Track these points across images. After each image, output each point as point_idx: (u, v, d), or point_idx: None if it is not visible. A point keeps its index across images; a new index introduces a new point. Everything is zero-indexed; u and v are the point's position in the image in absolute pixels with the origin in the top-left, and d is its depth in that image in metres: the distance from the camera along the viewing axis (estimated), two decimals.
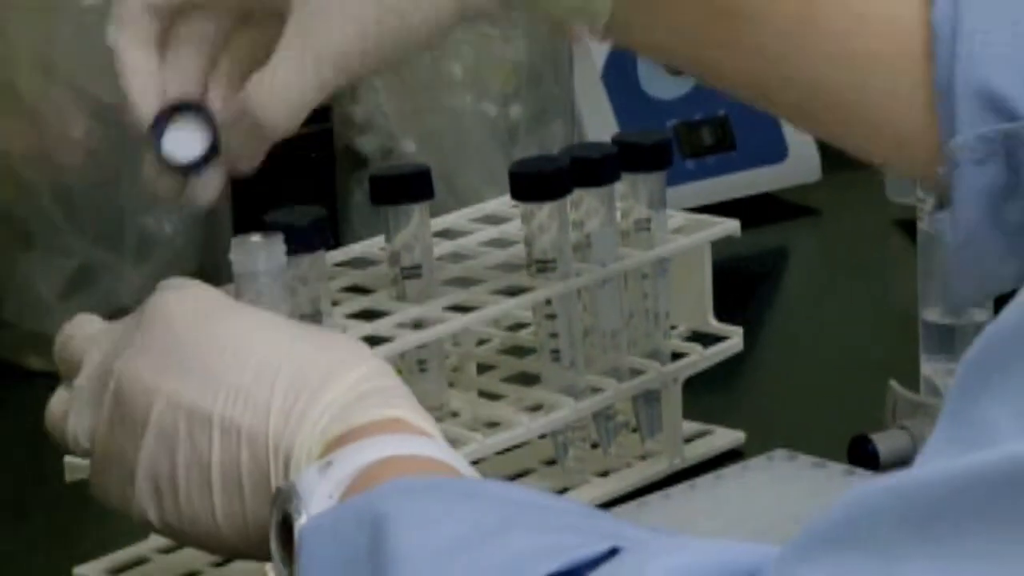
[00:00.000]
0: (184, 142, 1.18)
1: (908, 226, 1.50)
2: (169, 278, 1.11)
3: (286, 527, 0.98)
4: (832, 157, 1.61)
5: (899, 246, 1.54)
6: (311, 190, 1.55)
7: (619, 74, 1.57)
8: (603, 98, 1.56)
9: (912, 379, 1.33)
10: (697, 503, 1.22)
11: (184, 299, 1.11)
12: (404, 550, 0.90)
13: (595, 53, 1.55)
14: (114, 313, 1.35)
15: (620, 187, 1.23)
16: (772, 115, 1.34)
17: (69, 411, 1.10)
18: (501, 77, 1.51)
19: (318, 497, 0.97)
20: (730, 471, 1.26)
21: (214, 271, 1.25)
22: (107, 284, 1.41)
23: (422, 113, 1.49)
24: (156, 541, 1.20)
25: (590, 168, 1.21)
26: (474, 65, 1.50)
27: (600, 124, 1.53)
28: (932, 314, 1.31)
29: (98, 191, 1.41)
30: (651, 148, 1.24)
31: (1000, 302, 0.87)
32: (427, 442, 1.00)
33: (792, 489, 1.25)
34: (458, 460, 1.00)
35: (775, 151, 1.58)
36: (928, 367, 1.31)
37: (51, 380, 1.35)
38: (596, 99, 1.56)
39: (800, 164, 1.61)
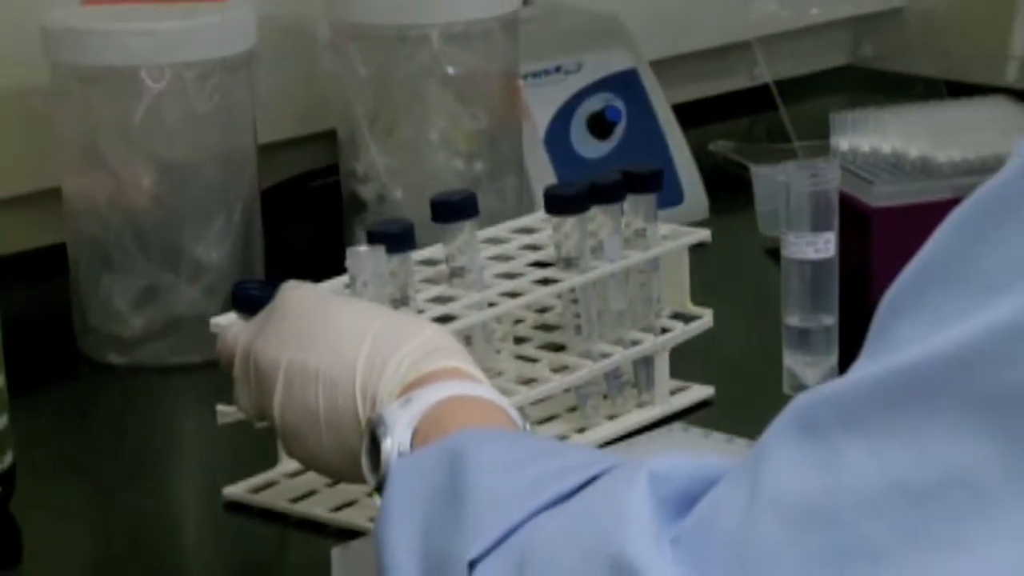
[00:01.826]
0: None
1: (774, 254, 1.50)
2: (288, 281, 1.13)
3: (375, 449, 1.00)
4: (716, 201, 1.63)
5: (768, 269, 1.53)
6: (324, 227, 1.53)
7: (557, 139, 1.56)
8: (544, 157, 1.55)
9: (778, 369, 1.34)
10: (674, 438, 1.24)
11: (298, 294, 1.11)
12: (479, 463, 0.92)
13: (538, 123, 1.54)
14: (171, 323, 1.40)
15: (625, 205, 1.28)
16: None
17: (236, 390, 1.12)
18: (467, 141, 1.50)
19: (400, 425, 1.00)
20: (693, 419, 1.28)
21: (243, 290, 1.24)
22: (167, 299, 1.39)
23: (407, 168, 1.49)
24: (285, 467, 1.20)
25: (603, 191, 1.25)
26: (447, 132, 1.49)
27: (542, 177, 1.52)
28: (792, 320, 1.31)
29: (161, 227, 1.40)
30: (648, 177, 1.28)
31: None
32: (479, 386, 1.03)
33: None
34: (502, 400, 1.04)
35: (674, 196, 1.57)
36: (789, 360, 1.31)
37: (127, 372, 1.41)
38: (539, 158, 1.55)
39: (693, 206, 1.60)
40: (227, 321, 1.18)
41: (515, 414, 1.03)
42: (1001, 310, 0.74)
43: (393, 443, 1.00)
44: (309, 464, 1.10)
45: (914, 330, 0.77)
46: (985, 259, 0.76)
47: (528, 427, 1.04)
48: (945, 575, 0.75)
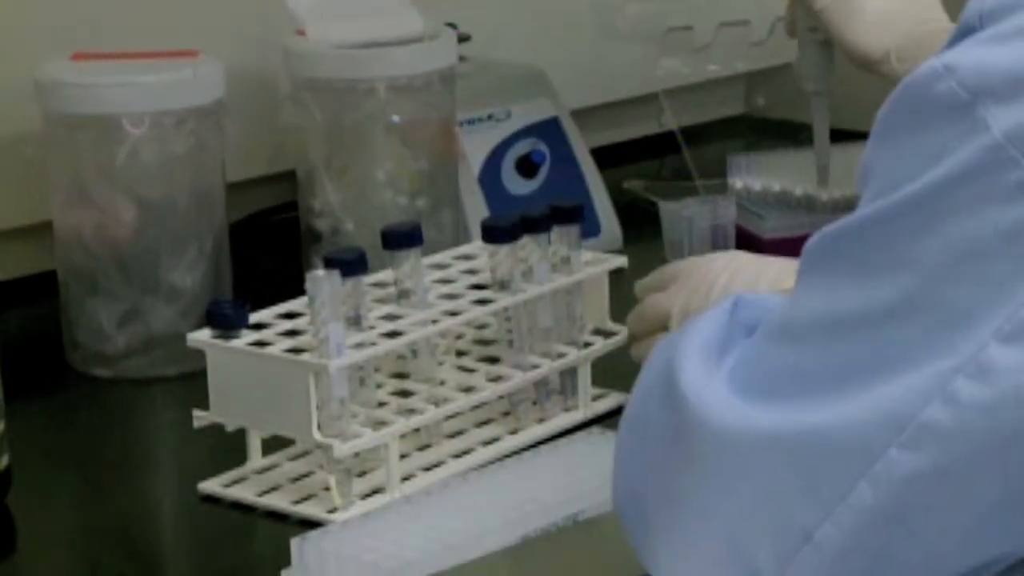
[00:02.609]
0: None
1: None
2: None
3: None
4: (629, 232, 1.62)
5: None
6: (286, 256, 1.53)
7: (489, 178, 1.55)
8: (478, 194, 1.55)
9: None
10: (594, 440, 1.20)
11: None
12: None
13: (473, 164, 1.54)
14: (151, 340, 1.38)
15: (551, 235, 1.28)
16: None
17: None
18: (410, 180, 1.49)
19: None
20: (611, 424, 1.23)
21: (217, 309, 1.23)
22: (147, 319, 1.38)
23: (358, 204, 1.49)
24: (254, 464, 1.19)
25: (532, 223, 1.25)
26: (392, 172, 1.49)
27: (476, 211, 1.51)
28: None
29: (141, 256, 1.38)
30: (571, 211, 1.29)
31: None
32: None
33: None
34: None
35: (592, 228, 1.57)
36: None
37: (111, 384, 1.40)
38: (474, 195, 1.55)
39: (609, 236, 1.59)
40: (202, 337, 1.18)
41: None
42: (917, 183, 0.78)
43: None
44: None
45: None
46: (874, 172, 0.82)
47: None
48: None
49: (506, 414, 1.27)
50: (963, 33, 0.80)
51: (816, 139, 1.54)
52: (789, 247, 1.43)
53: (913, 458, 0.77)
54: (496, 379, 1.26)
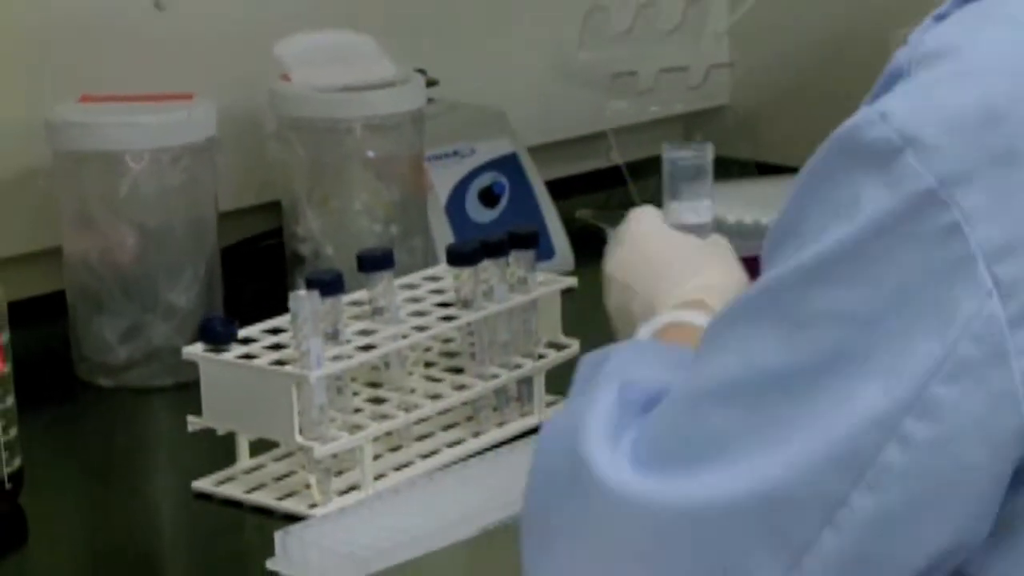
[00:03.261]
0: None
1: None
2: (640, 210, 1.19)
3: None
4: (581, 256, 1.61)
5: None
6: (272, 277, 1.52)
7: (455, 208, 1.55)
8: (445, 222, 1.55)
9: None
10: None
11: (643, 229, 1.15)
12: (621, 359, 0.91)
13: (440, 195, 1.54)
14: (151, 353, 1.38)
15: (509, 259, 1.28)
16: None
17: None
18: (384, 209, 1.49)
19: (645, 332, 1.03)
20: None
21: (209, 325, 1.23)
22: (146, 334, 1.38)
23: (337, 230, 1.49)
24: (242, 465, 1.19)
25: (492, 248, 1.26)
26: (368, 202, 1.49)
27: (443, 237, 1.51)
28: None
29: (141, 277, 1.38)
30: (527, 237, 1.29)
31: None
32: (702, 316, 1.02)
33: None
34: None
35: (547, 252, 1.57)
36: None
37: (114, 393, 1.39)
38: (441, 222, 1.55)
39: (562, 260, 1.59)
40: (196, 351, 1.18)
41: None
42: (804, 254, 0.75)
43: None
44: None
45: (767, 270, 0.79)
46: (803, 223, 0.76)
47: None
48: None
49: (469, 419, 1.27)
50: (893, 78, 0.77)
51: None
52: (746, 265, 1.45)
53: (875, 500, 0.73)
54: (460, 387, 1.26)
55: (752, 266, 1.42)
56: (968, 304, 0.71)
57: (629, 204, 1.63)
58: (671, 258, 1.11)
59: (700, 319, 1.00)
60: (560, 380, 1.29)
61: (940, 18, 0.82)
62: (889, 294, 0.73)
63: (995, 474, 0.73)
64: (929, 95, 0.74)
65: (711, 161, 1.19)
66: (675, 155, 1.19)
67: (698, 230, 1.17)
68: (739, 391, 0.76)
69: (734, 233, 1.50)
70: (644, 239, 1.14)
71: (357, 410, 1.20)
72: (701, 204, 1.18)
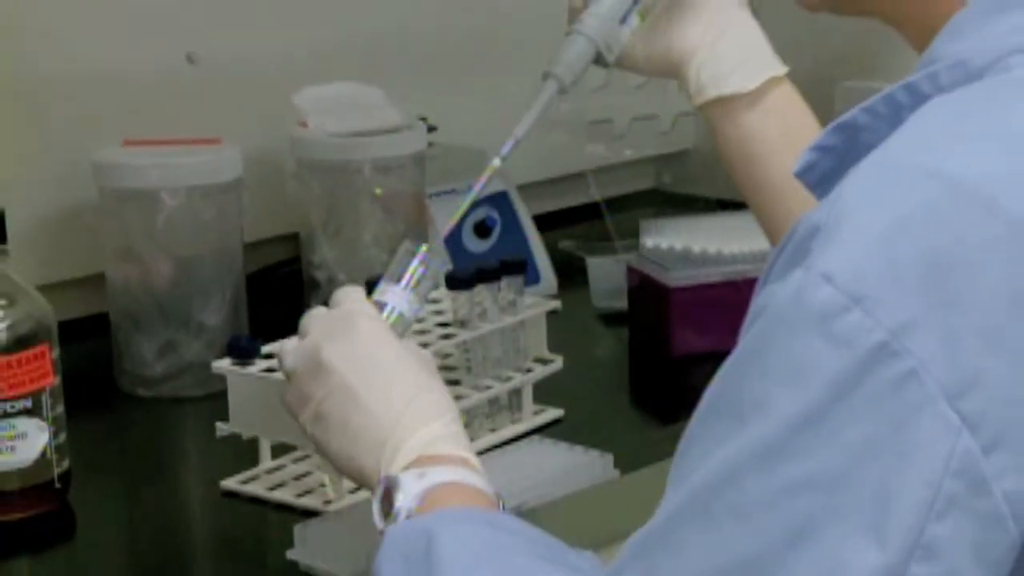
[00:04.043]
0: None
1: (602, 318, 1.51)
2: (350, 290, 0.99)
3: (386, 497, 0.89)
4: (563, 282, 1.62)
5: (598, 328, 1.55)
6: (291, 300, 1.52)
7: (452, 239, 1.53)
8: (444, 251, 1.56)
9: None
10: (535, 446, 1.21)
11: (370, 325, 0.97)
12: (446, 554, 0.81)
13: (439, 227, 1.54)
14: (184, 367, 1.38)
15: (501, 284, 1.26)
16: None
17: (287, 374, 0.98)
18: (389, 240, 1.49)
19: (412, 494, 0.88)
20: (549, 433, 1.26)
21: (236, 343, 1.22)
22: (180, 351, 1.38)
23: (348, 259, 1.49)
24: (264, 466, 1.18)
25: (486, 274, 1.25)
26: (376, 234, 1.49)
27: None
28: None
29: (176, 300, 1.38)
30: (516, 264, 1.27)
31: None
32: (474, 474, 0.91)
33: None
34: (489, 487, 0.91)
35: (533, 278, 1.57)
36: None
37: (151, 402, 1.39)
38: (440, 252, 1.55)
39: (547, 285, 1.59)
40: (224, 365, 1.17)
41: (495, 499, 0.91)
42: (744, 438, 0.68)
43: (403, 506, 0.88)
44: (318, 445, 0.96)
45: (698, 459, 0.71)
46: (737, 397, 0.70)
47: (503, 505, 0.91)
48: None
49: (466, 425, 1.25)
50: (807, 238, 0.70)
51: (526, 116, 1.11)
52: (688, 293, 1.43)
53: None
54: (458, 397, 1.21)
55: (712, 292, 1.44)
56: (941, 444, 0.66)
57: (606, 236, 1.64)
58: (408, 379, 0.95)
59: (469, 476, 0.90)
60: (545, 391, 1.31)
61: (821, 149, 0.78)
62: (858, 451, 0.66)
63: None
64: (868, 250, 0.67)
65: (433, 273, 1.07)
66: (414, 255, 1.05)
67: (402, 320, 1.02)
68: None
69: (699, 261, 1.51)
70: (372, 341, 0.96)
71: None
72: (416, 301, 1.04)
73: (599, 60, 1.08)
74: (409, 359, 0.97)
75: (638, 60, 1.11)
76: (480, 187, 1.08)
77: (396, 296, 1.02)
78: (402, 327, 1.01)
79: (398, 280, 1.03)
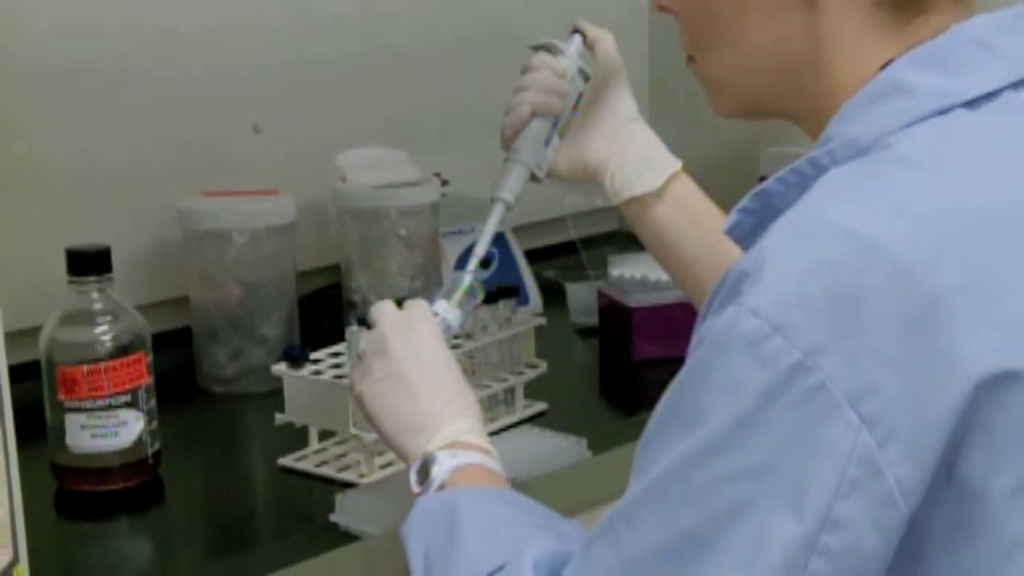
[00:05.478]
0: None
1: (580, 331, 1.52)
2: (417, 303, 0.98)
3: (423, 469, 0.90)
4: (548, 303, 1.60)
5: (575, 341, 1.55)
6: (332, 317, 1.51)
7: (460, 269, 1.56)
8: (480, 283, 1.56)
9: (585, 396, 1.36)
10: (525, 432, 1.21)
11: (428, 331, 0.96)
12: (468, 521, 0.82)
13: (450, 260, 1.52)
14: (249, 370, 1.37)
15: (499, 304, 1.25)
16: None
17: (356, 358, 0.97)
18: (411, 271, 1.48)
19: (445, 469, 0.88)
20: (537, 423, 1.26)
21: (290, 350, 1.23)
22: (246, 357, 1.37)
23: (379, 284, 1.47)
24: (312, 448, 1.17)
25: (487, 298, 1.16)
26: (400, 265, 1.48)
27: None
28: None
29: (243, 318, 1.38)
30: (511, 289, 1.27)
31: None
32: (493, 460, 0.91)
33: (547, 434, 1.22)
34: (501, 468, 0.91)
35: (524, 299, 1.57)
36: None
37: (224, 397, 1.38)
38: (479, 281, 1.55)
39: (534, 305, 1.59)
40: (280, 368, 1.17)
41: (507, 481, 0.91)
42: (689, 441, 0.69)
43: (438, 476, 0.88)
44: (367, 414, 0.95)
45: (654, 455, 0.71)
46: (684, 407, 0.70)
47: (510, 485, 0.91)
48: None
49: None
50: (739, 282, 0.69)
51: (483, 234, 1.09)
52: (646, 311, 1.43)
53: None
54: None
55: (664, 311, 1.44)
56: (846, 440, 0.66)
57: (581, 267, 1.64)
58: (451, 382, 0.95)
59: (491, 463, 0.91)
60: (533, 389, 1.30)
61: (744, 211, 0.78)
62: (781, 447, 0.66)
63: (887, 556, 0.68)
64: (785, 290, 0.67)
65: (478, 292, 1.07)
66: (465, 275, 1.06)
67: (448, 329, 1.02)
68: (667, 554, 0.68)
69: (653, 287, 1.50)
70: (428, 343, 0.96)
71: None
72: (461, 316, 1.04)
73: (533, 178, 1.08)
74: (452, 364, 0.97)
75: (562, 173, 1.10)
76: (470, 270, 1.06)
77: (446, 309, 1.02)
78: (449, 334, 1.02)
79: (447, 298, 1.03)
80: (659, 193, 1.07)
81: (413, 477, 0.90)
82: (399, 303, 1.03)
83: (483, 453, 0.92)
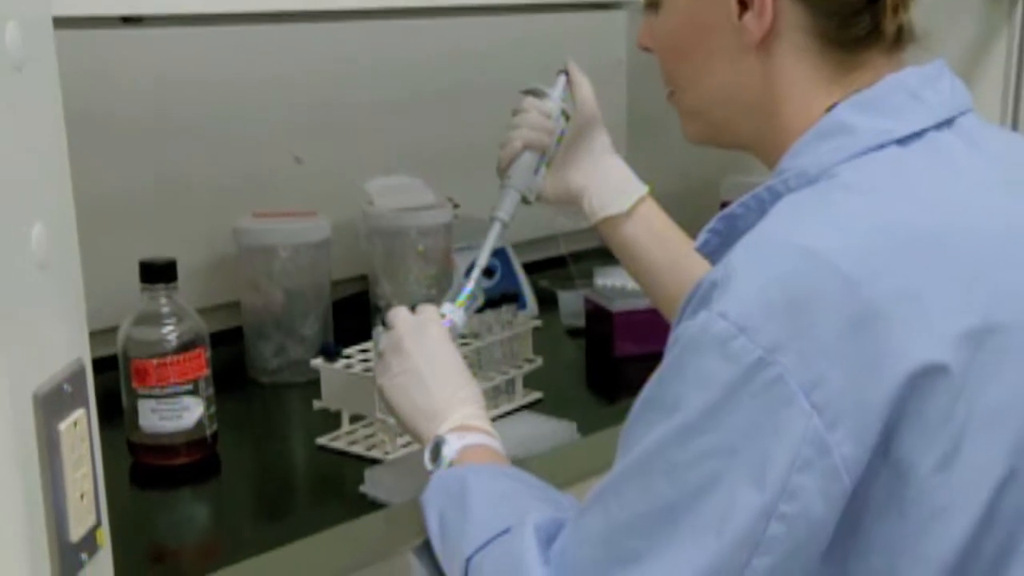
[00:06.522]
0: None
1: (569, 331, 1.52)
2: (429, 308, 0.97)
3: (435, 448, 0.91)
4: (543, 307, 1.60)
5: (566, 340, 1.55)
6: (361, 320, 1.50)
7: (468, 275, 1.57)
8: (481, 288, 1.56)
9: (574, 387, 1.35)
10: (523, 417, 1.21)
11: (438, 333, 0.96)
12: (477, 491, 0.83)
13: (460, 271, 1.50)
14: (291, 363, 1.36)
15: (502, 308, 1.26)
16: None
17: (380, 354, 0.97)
18: (428, 280, 1.48)
19: (455, 449, 0.89)
20: (534, 409, 1.25)
21: (325, 347, 1.23)
22: (289, 352, 1.36)
23: (400, 292, 1.47)
24: (344, 430, 1.16)
25: (492, 303, 1.23)
26: (419, 276, 1.48)
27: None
28: None
29: (286, 319, 1.38)
30: (513, 296, 1.34)
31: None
32: (495, 441, 0.92)
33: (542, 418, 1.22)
34: (502, 447, 0.91)
35: (523, 304, 1.57)
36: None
37: (270, 387, 1.37)
38: (480, 286, 1.55)
39: (531, 309, 1.58)
40: (318, 362, 1.16)
41: (508, 459, 0.91)
42: (665, 426, 0.69)
43: (447, 455, 0.89)
44: (387, 403, 0.95)
45: (637, 437, 0.71)
46: (663, 397, 0.70)
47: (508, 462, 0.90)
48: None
49: None
50: (709, 291, 0.70)
51: (483, 249, 1.11)
52: (625, 315, 1.43)
53: (768, 559, 0.67)
54: None
55: (641, 316, 1.44)
56: (800, 424, 0.66)
57: (571, 277, 1.64)
58: (457, 374, 0.95)
59: (492, 443, 0.91)
60: (530, 380, 1.30)
61: (712, 232, 0.78)
62: (745, 430, 0.67)
63: (833, 522, 0.68)
64: (749, 297, 0.68)
65: (480, 297, 1.09)
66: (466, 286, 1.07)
67: (454, 328, 1.03)
68: (649, 519, 0.69)
69: (632, 295, 1.48)
70: (438, 342, 0.97)
71: None
72: (464, 316, 1.05)
73: (524, 201, 1.11)
74: (459, 360, 0.98)
75: (549, 197, 1.12)
76: (476, 275, 1.07)
77: (451, 311, 1.03)
78: (454, 332, 1.02)
79: (453, 301, 1.04)
80: (628, 214, 1.08)
81: (427, 456, 0.91)
82: (413, 308, 1.03)
83: (486, 435, 0.92)
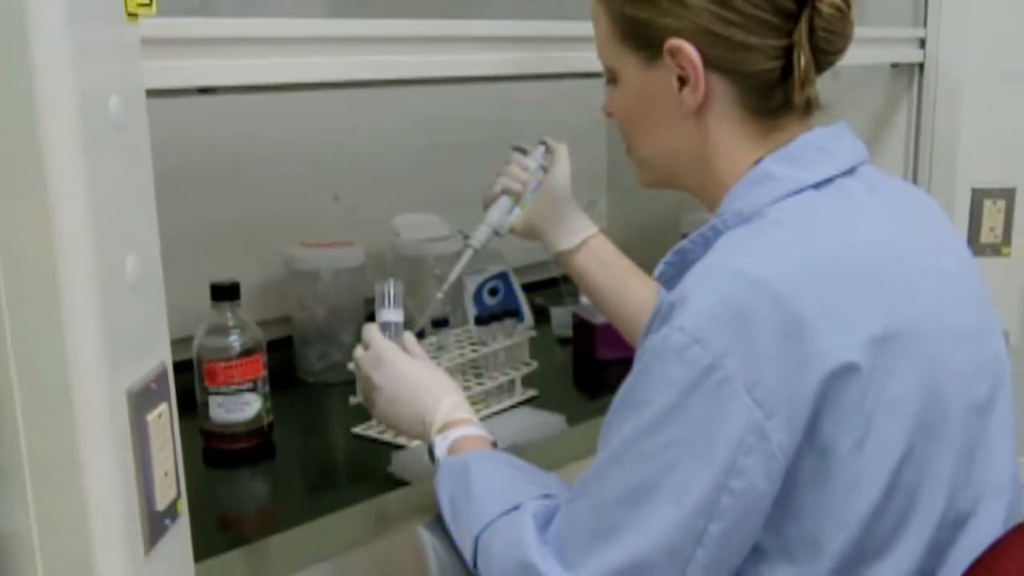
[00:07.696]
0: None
1: (559, 340, 1.53)
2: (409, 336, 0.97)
3: (430, 450, 0.91)
4: (538, 321, 1.59)
5: (556, 348, 1.55)
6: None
7: (476, 297, 1.51)
8: (471, 304, 1.52)
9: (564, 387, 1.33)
10: (521, 412, 1.21)
11: (408, 361, 0.96)
12: (478, 474, 0.84)
13: (469, 291, 1.51)
14: (332, 365, 1.36)
15: (504, 322, 1.25)
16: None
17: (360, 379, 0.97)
18: (442, 299, 1.50)
19: (443, 449, 0.90)
20: (530, 404, 1.25)
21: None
22: (330, 355, 1.36)
23: (423, 304, 1.49)
24: (375, 421, 1.16)
25: (496, 317, 1.24)
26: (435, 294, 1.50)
27: (470, 312, 1.48)
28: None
29: (327, 330, 1.38)
30: (513, 311, 1.28)
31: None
32: (476, 427, 0.91)
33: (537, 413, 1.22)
34: (489, 435, 0.90)
35: (521, 318, 1.58)
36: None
37: (315, 385, 1.36)
38: (468, 305, 1.52)
39: (528, 323, 1.59)
40: (352, 364, 1.14)
41: (491, 442, 0.90)
42: (637, 420, 0.70)
43: (439, 456, 0.89)
44: (381, 420, 0.97)
45: (613, 432, 0.72)
46: (634, 397, 0.72)
47: (497, 444, 0.90)
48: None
49: (483, 399, 1.23)
50: (669, 309, 0.71)
51: (454, 269, 1.14)
52: (607, 327, 1.39)
53: (721, 525, 0.69)
54: (479, 384, 1.23)
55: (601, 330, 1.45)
56: (744, 416, 0.68)
57: (561, 295, 1.65)
58: (424, 382, 0.95)
59: (475, 430, 0.91)
60: (527, 381, 1.29)
61: (668, 264, 0.80)
62: (700, 422, 0.68)
63: (772, 495, 0.70)
64: (701, 313, 0.69)
65: (401, 294, 1.08)
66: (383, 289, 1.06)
67: (398, 329, 1.03)
68: (626, 497, 0.71)
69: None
70: (397, 365, 0.96)
71: None
72: (398, 313, 1.03)
73: (496, 234, 1.13)
74: (421, 367, 0.96)
75: (519, 232, 1.14)
76: (446, 288, 1.09)
77: (390, 314, 1.03)
78: (401, 330, 1.01)
79: (384, 305, 1.03)
80: (577, 248, 1.10)
81: (425, 457, 0.94)
82: (375, 321, 1.01)
83: (468, 424, 0.92)
